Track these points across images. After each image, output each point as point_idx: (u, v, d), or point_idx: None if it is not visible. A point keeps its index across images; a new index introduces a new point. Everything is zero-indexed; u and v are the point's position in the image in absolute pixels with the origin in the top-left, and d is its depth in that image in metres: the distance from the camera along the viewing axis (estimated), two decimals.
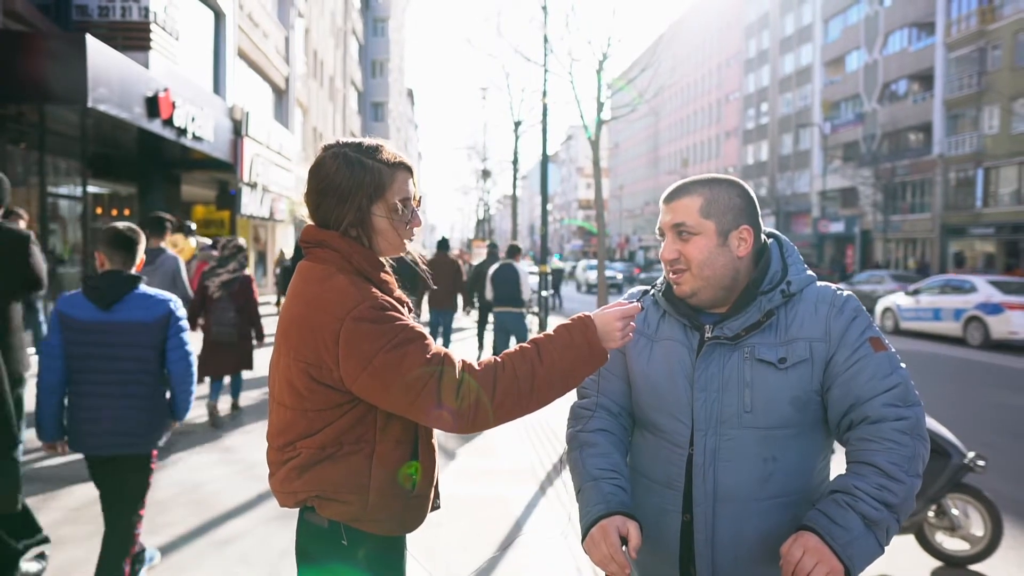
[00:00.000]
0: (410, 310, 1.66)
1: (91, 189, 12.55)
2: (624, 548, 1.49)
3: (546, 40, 13.49)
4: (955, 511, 4.05)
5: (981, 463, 3.94)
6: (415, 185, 1.68)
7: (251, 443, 6.10)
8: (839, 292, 1.62)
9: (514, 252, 9.73)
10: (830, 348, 1.56)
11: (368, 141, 1.64)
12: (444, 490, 4.98)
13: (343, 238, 1.59)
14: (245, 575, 3.68)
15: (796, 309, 1.60)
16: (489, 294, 9.17)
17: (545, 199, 14.16)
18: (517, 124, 19.91)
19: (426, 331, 1.55)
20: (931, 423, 4.13)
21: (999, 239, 30.99)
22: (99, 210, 13.83)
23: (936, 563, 4.07)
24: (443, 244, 11.03)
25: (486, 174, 35.31)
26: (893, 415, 1.49)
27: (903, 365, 1.58)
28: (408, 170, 1.65)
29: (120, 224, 3.21)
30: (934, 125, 34.85)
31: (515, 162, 20.44)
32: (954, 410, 8.12)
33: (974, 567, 4.00)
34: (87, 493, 4.78)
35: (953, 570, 4.00)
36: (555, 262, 16.20)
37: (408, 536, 1.75)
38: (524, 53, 22.65)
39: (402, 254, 1.70)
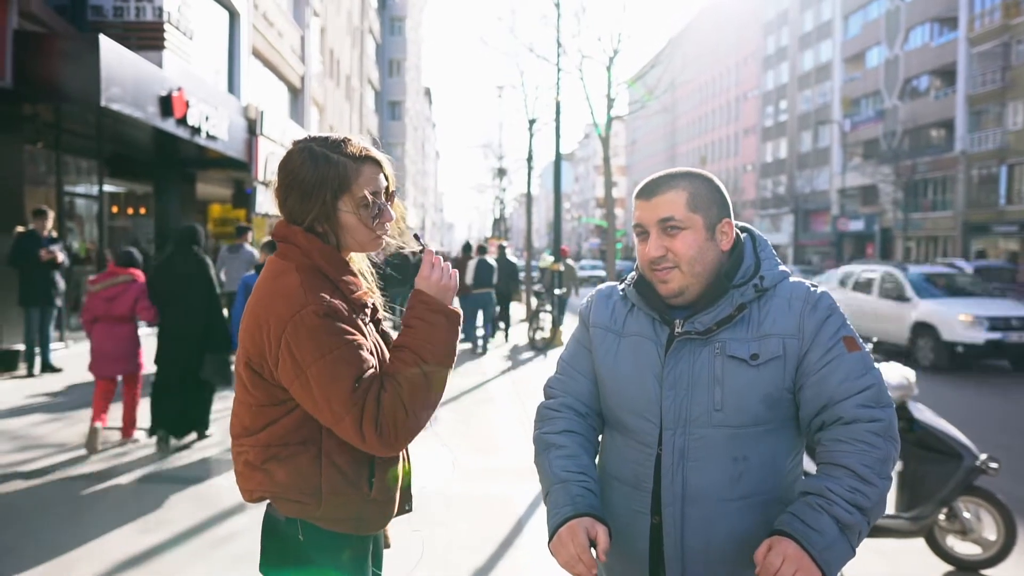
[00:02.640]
0: (375, 311, 1.63)
1: (107, 188, 12.69)
2: (592, 550, 1.45)
3: (559, 43, 13.45)
4: (967, 514, 3.96)
5: (994, 465, 3.86)
6: (387, 179, 1.65)
7: None
8: (813, 289, 1.58)
9: (483, 250, 13.17)
10: (803, 345, 1.51)
11: (336, 135, 1.61)
12: (448, 489, 4.98)
13: (306, 234, 1.56)
14: (242, 573, 3.68)
15: (769, 305, 1.55)
16: (469, 279, 12.26)
17: (559, 197, 14.12)
18: (532, 122, 19.85)
19: (366, 344, 1.53)
20: (942, 424, 4.05)
21: (1023, 237, 30.48)
22: (115, 209, 13.96)
23: (947, 567, 3.99)
24: (467, 247, 13.71)
25: (502, 172, 35.26)
26: (867, 416, 1.46)
27: (877, 366, 1.53)
28: (376, 164, 1.62)
29: None
30: (956, 121, 34.35)
31: (530, 160, 20.39)
32: (966, 411, 7.98)
33: (986, 572, 3.91)
34: (92, 488, 4.81)
35: (964, 574, 3.92)
36: (545, 259, 16.93)
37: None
38: (537, 51, 22.60)
39: (373, 252, 1.67)
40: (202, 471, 5.31)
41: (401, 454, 1.69)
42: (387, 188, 1.64)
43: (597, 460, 1.72)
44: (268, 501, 1.61)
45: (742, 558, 1.47)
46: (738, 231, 1.65)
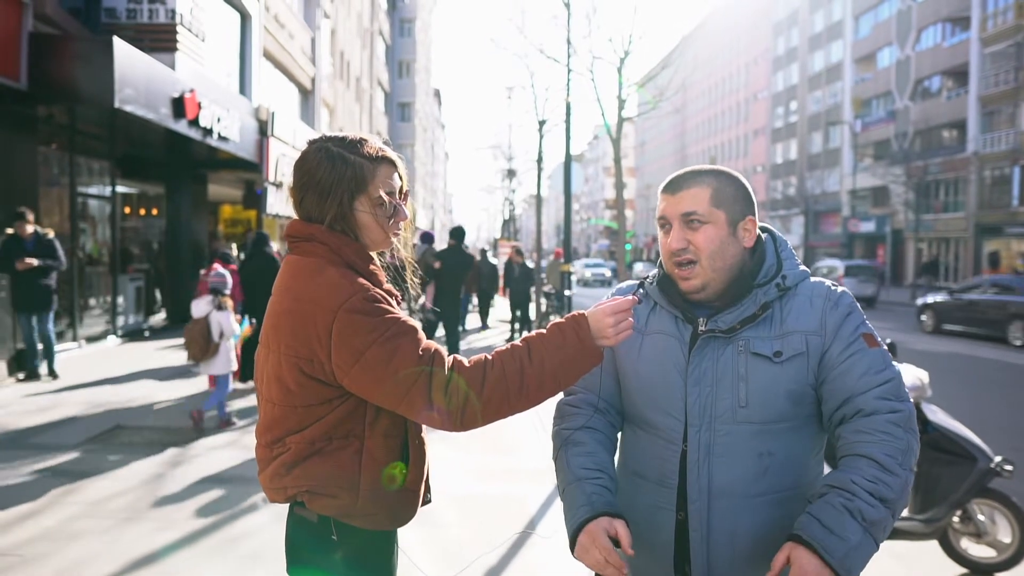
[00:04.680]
0: (398, 302, 1.64)
1: (120, 189, 12.77)
2: (618, 549, 1.46)
3: (569, 43, 13.46)
4: (981, 517, 3.95)
5: (1009, 468, 3.84)
6: (401, 179, 1.66)
7: None
8: (834, 288, 1.60)
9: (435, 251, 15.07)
10: (825, 341, 1.54)
11: (353, 135, 1.62)
12: (463, 489, 5.00)
13: (331, 232, 1.57)
14: (255, 572, 3.70)
15: (791, 303, 1.57)
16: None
17: (568, 199, 14.12)
18: (542, 123, 19.87)
19: (417, 324, 1.54)
20: (956, 426, 4.04)
21: None
22: (127, 210, 14.04)
23: (961, 570, 3.98)
24: (426, 239, 14.95)
25: (511, 174, 35.30)
26: (887, 408, 1.47)
27: (895, 364, 1.55)
28: (392, 164, 1.63)
29: None
30: (968, 122, 34.12)
31: (539, 161, 20.39)
32: (979, 415, 7.93)
33: (1000, 575, 3.89)
34: (107, 487, 4.85)
35: None
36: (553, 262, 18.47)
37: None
38: (547, 53, 22.63)
39: (388, 248, 1.68)
40: (216, 472, 5.34)
41: (425, 450, 1.70)
42: (401, 188, 1.66)
43: (618, 457, 1.72)
44: (294, 504, 1.61)
45: (766, 552, 1.48)
46: (760, 231, 1.66)
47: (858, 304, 1.60)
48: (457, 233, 10.33)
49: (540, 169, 20.56)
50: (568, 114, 13.78)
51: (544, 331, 1.54)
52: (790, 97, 53.27)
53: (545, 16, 52.50)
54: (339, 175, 1.56)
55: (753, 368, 1.52)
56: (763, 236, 1.66)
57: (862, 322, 1.56)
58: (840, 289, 1.61)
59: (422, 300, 10.53)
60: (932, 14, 37.10)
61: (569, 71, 13.61)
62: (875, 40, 42.58)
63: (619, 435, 1.76)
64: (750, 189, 1.64)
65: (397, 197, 1.64)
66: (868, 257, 41.94)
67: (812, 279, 1.62)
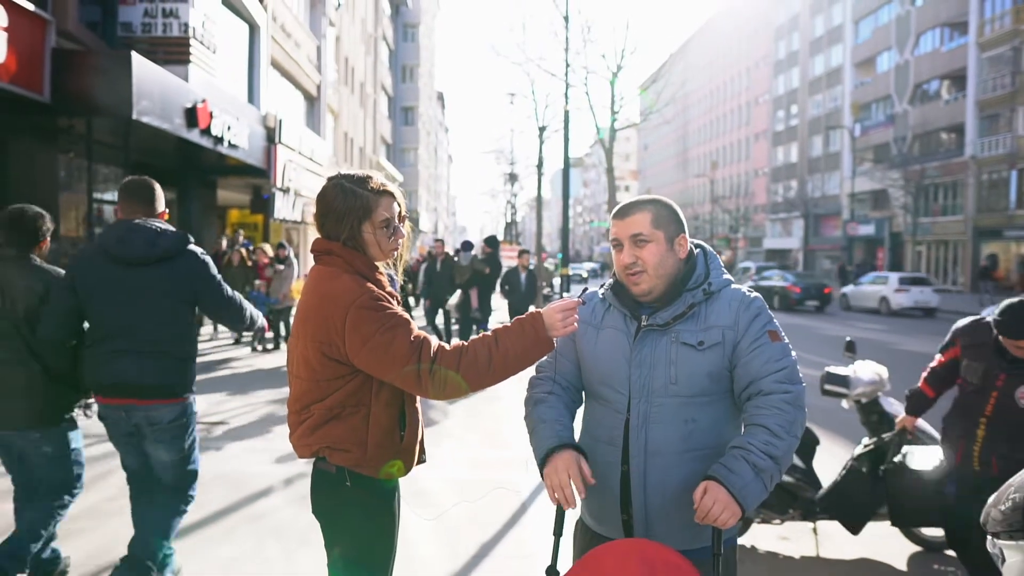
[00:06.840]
0: (399, 302, 2.10)
1: None
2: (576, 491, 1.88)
3: (568, 65, 13.86)
4: None
5: None
6: (400, 206, 2.13)
7: (285, 433, 6.54)
8: (748, 293, 2.02)
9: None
10: (737, 335, 1.95)
11: (361, 173, 2.10)
12: (459, 475, 5.41)
13: (345, 248, 2.05)
14: (276, 546, 4.11)
15: (714, 304, 1.99)
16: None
17: (566, 205, 14.54)
18: (542, 129, 20.31)
19: (410, 318, 2.00)
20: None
21: None
22: None
23: (915, 548, 4.34)
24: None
25: (513, 177, 35.75)
26: (781, 389, 1.89)
27: (793, 354, 1.95)
28: (391, 196, 2.11)
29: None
30: (966, 126, 34.44)
31: (540, 166, 20.84)
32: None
33: (950, 552, 4.24)
34: None
35: (931, 555, 4.27)
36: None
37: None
38: (545, 67, 23.11)
39: (388, 261, 2.15)
40: (237, 460, 5.75)
41: (419, 416, 2.14)
42: (399, 213, 2.13)
43: (580, 425, 2.15)
44: (318, 459, 2.06)
45: (690, 497, 1.90)
46: (693, 246, 2.09)
47: (767, 307, 2.02)
48: (492, 242, 12.03)
49: (540, 173, 21.00)
50: (566, 124, 14.20)
51: (509, 324, 1.99)
52: (791, 101, 53.62)
53: (545, 30, 52.92)
54: (350, 205, 2.04)
55: (681, 354, 1.94)
56: (695, 251, 2.09)
57: (768, 321, 1.97)
58: (753, 294, 2.02)
59: (453, 302, 11.34)
60: (931, 19, 37.44)
61: (567, 85, 14.03)
62: (875, 44, 42.93)
63: (579, 409, 2.19)
64: (680, 214, 2.08)
65: (396, 220, 2.10)
66: (869, 260, 42.36)
67: (733, 286, 2.04)
